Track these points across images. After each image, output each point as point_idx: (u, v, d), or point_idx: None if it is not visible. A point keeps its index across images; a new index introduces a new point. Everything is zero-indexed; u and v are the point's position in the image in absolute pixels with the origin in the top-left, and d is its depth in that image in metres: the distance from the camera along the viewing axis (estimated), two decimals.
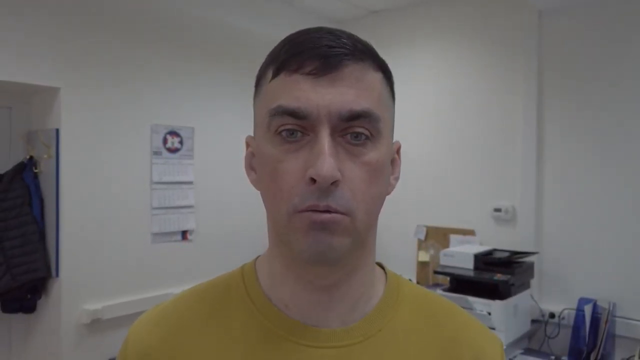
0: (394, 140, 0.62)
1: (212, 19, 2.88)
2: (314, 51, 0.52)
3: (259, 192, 0.59)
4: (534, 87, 2.69)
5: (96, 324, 2.53)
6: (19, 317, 2.52)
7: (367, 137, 0.53)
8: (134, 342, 0.61)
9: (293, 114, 0.52)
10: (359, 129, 0.53)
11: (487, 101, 2.90)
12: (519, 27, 2.76)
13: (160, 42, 2.80)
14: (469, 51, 2.98)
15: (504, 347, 2.29)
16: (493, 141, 2.86)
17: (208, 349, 0.59)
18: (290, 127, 0.52)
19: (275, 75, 0.54)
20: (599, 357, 2.29)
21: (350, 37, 0.55)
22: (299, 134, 0.53)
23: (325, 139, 0.51)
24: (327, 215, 0.51)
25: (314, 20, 3.36)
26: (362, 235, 0.55)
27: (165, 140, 2.83)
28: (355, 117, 0.52)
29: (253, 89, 0.61)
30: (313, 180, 0.50)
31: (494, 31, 2.87)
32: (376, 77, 0.56)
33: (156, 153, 2.79)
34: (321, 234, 0.51)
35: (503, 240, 2.77)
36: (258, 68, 0.60)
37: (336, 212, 0.51)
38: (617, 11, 2.47)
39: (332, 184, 0.50)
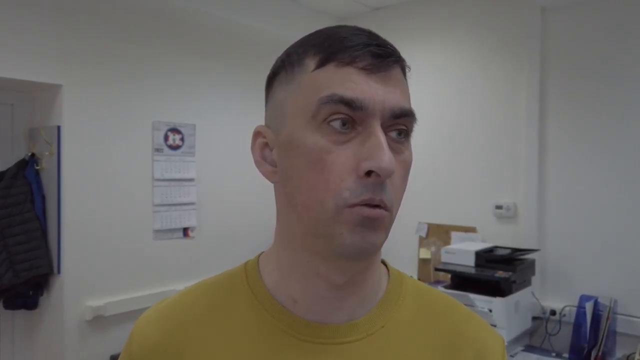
0: None
1: (213, 16, 2.88)
2: (367, 48, 0.53)
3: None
4: (537, 84, 2.69)
5: (98, 321, 2.54)
6: (22, 313, 2.53)
7: (406, 135, 0.56)
8: (140, 337, 0.62)
9: (349, 103, 0.51)
10: (402, 126, 0.55)
11: (489, 98, 2.89)
12: (521, 23, 2.75)
13: (162, 39, 2.80)
14: (471, 48, 2.97)
15: (505, 344, 2.30)
16: (495, 138, 2.86)
17: (212, 344, 0.59)
18: (344, 116, 0.52)
19: (321, 65, 0.54)
20: (600, 354, 2.29)
21: (387, 40, 0.57)
22: (349, 127, 0.52)
23: (380, 132, 0.52)
24: (378, 211, 0.52)
25: (316, 17, 3.35)
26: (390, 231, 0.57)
27: (166, 137, 2.83)
28: (403, 115, 0.54)
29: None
30: (368, 174, 0.51)
31: (496, 28, 2.86)
32: (406, 80, 0.59)
33: (158, 150, 2.79)
34: (369, 230, 0.52)
35: (504, 238, 2.77)
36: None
37: (384, 207, 0.52)
38: (620, 8, 2.47)
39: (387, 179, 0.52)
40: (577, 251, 2.57)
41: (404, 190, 0.57)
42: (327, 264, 0.56)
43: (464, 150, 2.98)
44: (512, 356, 2.35)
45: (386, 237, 0.55)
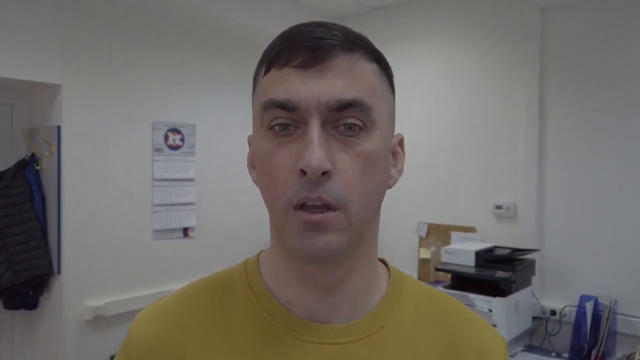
0: (396, 133, 0.61)
1: (213, 16, 2.87)
2: (302, 44, 0.52)
3: (257, 189, 0.59)
4: (536, 84, 2.69)
5: (98, 321, 2.53)
6: (22, 313, 2.53)
7: (360, 128, 0.52)
8: (138, 336, 0.61)
9: (283, 106, 0.52)
10: (350, 119, 0.52)
11: (488, 98, 2.89)
12: (521, 23, 2.75)
13: (161, 39, 2.80)
14: (470, 48, 2.97)
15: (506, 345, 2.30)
16: (494, 138, 2.86)
17: (211, 342, 0.59)
18: (282, 120, 0.52)
19: (267, 70, 0.55)
20: (600, 354, 2.29)
21: (342, 29, 0.54)
22: (291, 128, 0.52)
23: (314, 130, 0.51)
24: (320, 216, 0.51)
25: (316, 17, 3.32)
26: (358, 230, 0.54)
27: (166, 137, 2.83)
28: (345, 106, 0.51)
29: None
30: (304, 172, 0.50)
31: (496, 28, 2.86)
32: (369, 67, 0.55)
33: (157, 150, 2.79)
34: (315, 233, 0.51)
35: (504, 238, 2.77)
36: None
37: (329, 204, 0.51)
38: (619, 8, 2.47)
39: (323, 174, 0.50)
40: (577, 251, 2.57)
41: (371, 183, 0.54)
42: (305, 266, 0.57)
43: (464, 150, 2.97)
44: (512, 356, 2.35)
45: (349, 239, 0.53)
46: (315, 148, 0.49)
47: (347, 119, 0.52)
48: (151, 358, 0.59)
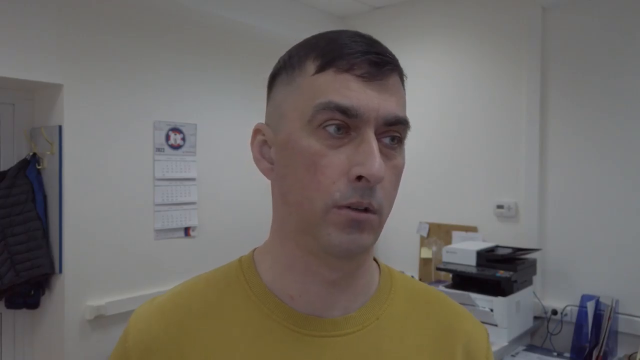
0: None
1: (214, 15, 2.87)
2: (365, 55, 0.55)
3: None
4: (538, 83, 2.68)
5: (99, 320, 2.54)
6: (23, 313, 2.54)
7: (399, 142, 0.57)
8: (136, 333, 0.61)
9: (345, 111, 0.53)
10: (395, 133, 0.57)
11: (490, 97, 2.89)
12: (522, 22, 2.75)
13: (163, 38, 2.80)
14: (472, 47, 2.97)
15: (506, 343, 2.30)
16: (496, 137, 2.86)
17: (212, 340, 0.59)
18: (339, 122, 0.54)
19: (320, 70, 0.55)
20: (601, 354, 2.29)
21: (387, 48, 0.59)
22: (343, 132, 0.54)
23: (373, 140, 0.53)
24: (364, 215, 0.54)
25: (318, 17, 3.35)
26: (380, 232, 0.59)
27: (167, 137, 2.83)
28: (397, 122, 0.56)
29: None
30: (359, 178, 0.53)
31: (497, 27, 2.86)
32: (402, 86, 0.60)
33: (159, 149, 2.79)
34: (356, 232, 0.54)
35: (506, 237, 2.77)
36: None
37: (372, 210, 0.54)
38: (621, 7, 2.46)
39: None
40: (578, 251, 2.57)
41: (395, 195, 0.59)
42: (318, 261, 0.58)
43: (465, 149, 2.97)
44: (513, 356, 2.35)
45: (375, 239, 0.57)
46: (377, 158, 0.52)
47: (392, 132, 0.56)
48: (150, 356, 0.59)
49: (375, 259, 0.69)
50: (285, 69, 0.59)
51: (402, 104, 0.58)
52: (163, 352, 0.59)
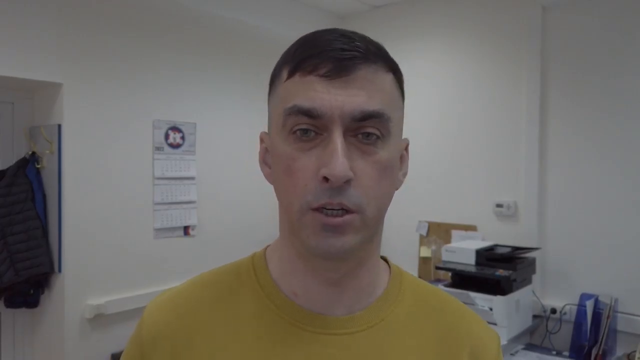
0: (402, 137, 0.64)
1: (214, 15, 2.87)
2: (328, 54, 0.54)
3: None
4: (537, 83, 2.68)
5: (99, 319, 2.54)
6: (23, 312, 2.54)
7: (377, 137, 0.55)
8: (150, 321, 0.64)
9: (307, 113, 0.54)
10: (370, 129, 0.55)
11: (490, 97, 2.89)
12: (522, 22, 2.75)
13: (162, 38, 2.80)
14: (472, 47, 2.97)
15: (506, 342, 2.30)
16: (496, 136, 2.86)
17: (220, 331, 0.61)
18: (305, 126, 0.54)
19: (290, 75, 0.56)
20: (600, 353, 2.29)
21: (363, 39, 0.57)
22: (313, 133, 0.55)
23: (338, 138, 0.53)
24: (339, 219, 0.53)
25: (318, 16, 3.35)
26: (371, 230, 0.58)
27: (167, 136, 2.83)
28: (367, 117, 0.54)
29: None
30: (326, 179, 0.52)
31: (497, 27, 2.86)
32: (387, 78, 0.58)
33: (158, 148, 2.79)
34: (332, 234, 0.54)
35: (505, 236, 2.77)
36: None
37: (348, 209, 0.54)
38: (621, 6, 2.46)
39: (344, 182, 0.53)
40: (577, 249, 2.57)
41: (385, 190, 0.57)
42: (314, 261, 0.59)
43: (465, 148, 2.97)
44: (512, 354, 2.35)
45: (364, 238, 0.57)
46: (340, 157, 0.52)
47: (366, 128, 0.55)
48: (161, 341, 0.62)
49: (386, 259, 0.70)
50: (273, 77, 0.61)
51: (379, 96, 0.55)
52: (173, 339, 0.61)
